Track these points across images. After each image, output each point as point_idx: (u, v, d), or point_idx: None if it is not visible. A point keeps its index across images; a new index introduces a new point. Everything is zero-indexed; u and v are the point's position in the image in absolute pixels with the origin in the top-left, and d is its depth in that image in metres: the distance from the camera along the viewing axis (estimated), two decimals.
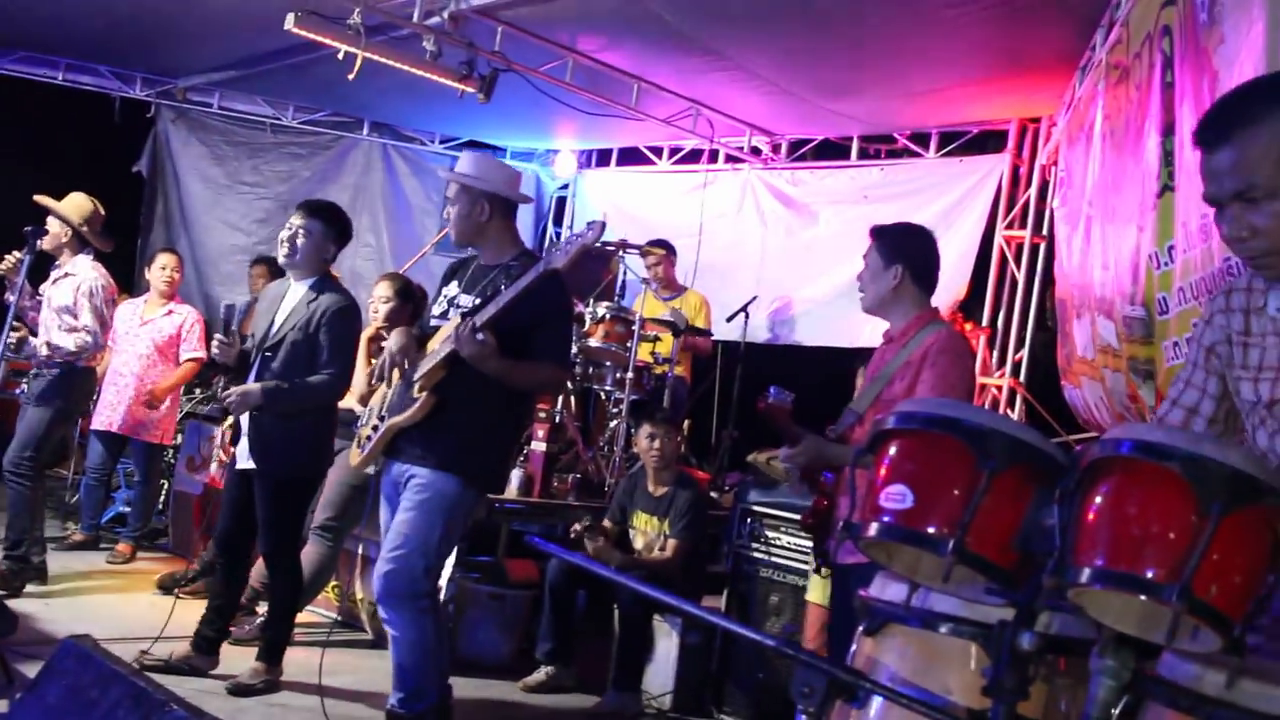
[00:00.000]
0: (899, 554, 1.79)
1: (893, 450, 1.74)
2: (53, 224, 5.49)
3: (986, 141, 7.84)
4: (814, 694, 1.70)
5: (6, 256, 5.35)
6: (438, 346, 3.88)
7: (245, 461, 4.49)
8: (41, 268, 5.36)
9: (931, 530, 1.62)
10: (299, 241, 4.53)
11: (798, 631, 4.64)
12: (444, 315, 4.04)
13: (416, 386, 3.87)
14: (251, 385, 4.43)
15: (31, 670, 4.11)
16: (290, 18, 6.29)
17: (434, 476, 3.79)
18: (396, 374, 3.92)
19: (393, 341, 3.94)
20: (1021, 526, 1.61)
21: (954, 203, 7.70)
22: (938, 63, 6.57)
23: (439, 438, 3.81)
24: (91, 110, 9.23)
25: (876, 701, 1.83)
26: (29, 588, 5.40)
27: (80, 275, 5.56)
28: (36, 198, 5.54)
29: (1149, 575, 1.43)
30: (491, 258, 4.05)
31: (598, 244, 6.74)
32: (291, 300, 4.56)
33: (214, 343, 4.64)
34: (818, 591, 4.73)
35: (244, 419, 4.47)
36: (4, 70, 8.88)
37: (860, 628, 1.98)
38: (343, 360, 4.53)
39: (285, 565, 4.65)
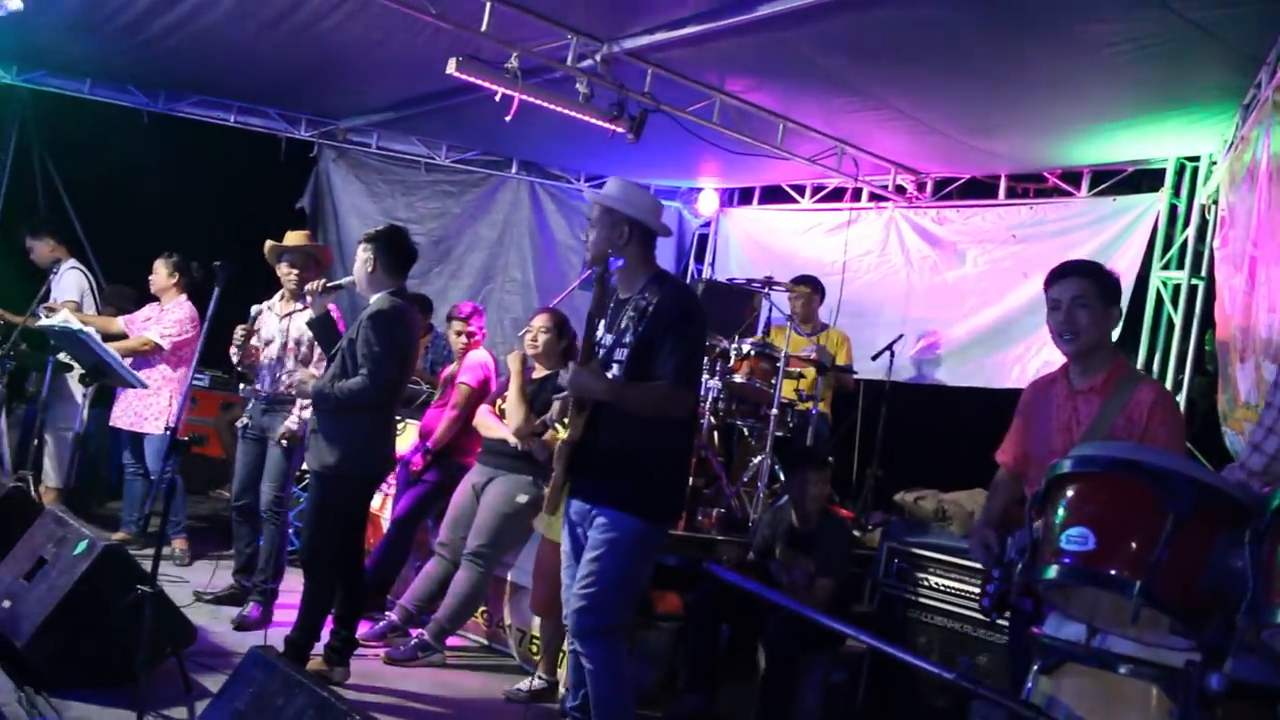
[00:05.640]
0: (1077, 596, 1.80)
1: (1070, 493, 1.76)
2: (293, 262, 5.75)
3: (1141, 180, 7.64)
4: None
5: (240, 329, 5.67)
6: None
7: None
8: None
9: (1115, 572, 1.63)
10: (355, 270, 4.89)
11: (976, 667, 4.59)
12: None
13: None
14: (310, 378, 4.84)
15: (205, 679, 4.38)
16: (452, 62, 6.55)
17: (616, 516, 3.89)
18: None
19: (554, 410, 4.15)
20: (1208, 569, 1.61)
21: (1107, 243, 7.53)
22: (1092, 101, 6.47)
23: (614, 478, 3.91)
24: (260, 150, 9.70)
25: None
26: (197, 604, 5.68)
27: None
28: (273, 243, 5.83)
29: None
30: (625, 288, 4.10)
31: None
32: None
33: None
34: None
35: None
36: (182, 113, 9.41)
37: (1035, 666, 1.99)
38: (375, 362, 4.61)
39: (318, 573, 4.74)
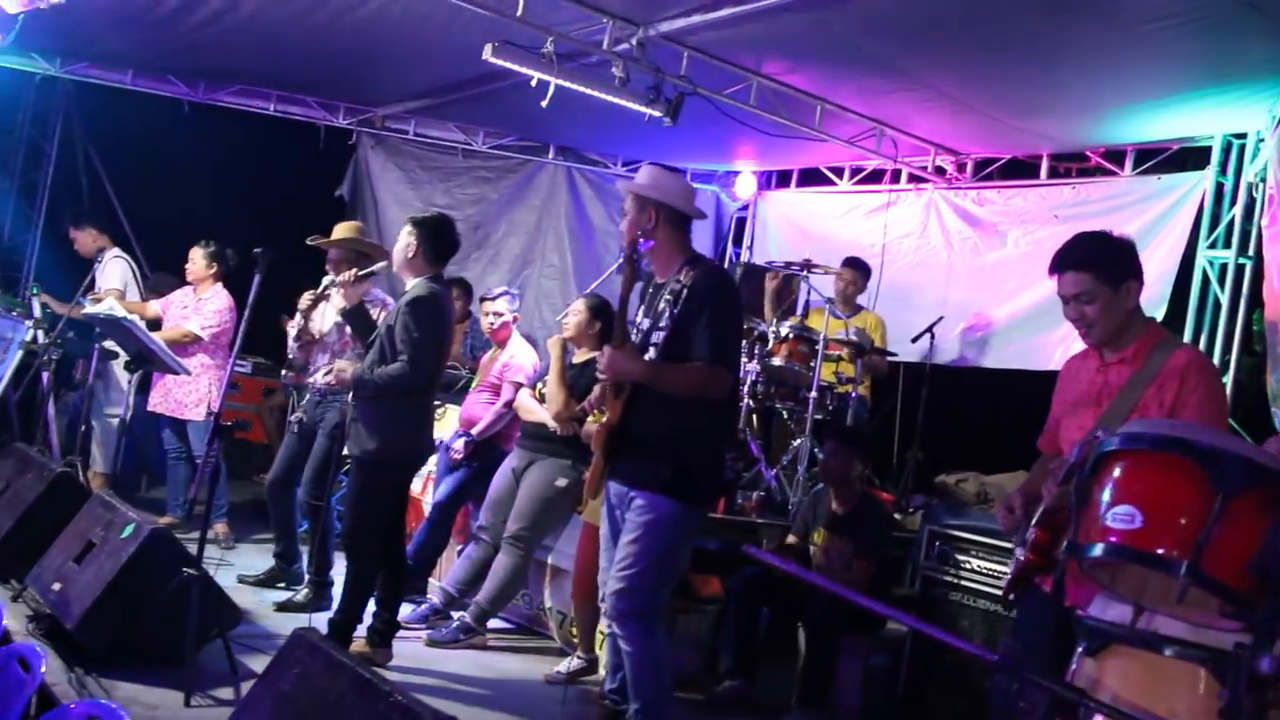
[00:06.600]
0: (1124, 576, 1.78)
1: (1118, 471, 1.74)
2: (340, 257, 5.69)
3: (1187, 158, 7.51)
4: (1036, 710, 1.71)
5: (309, 294, 5.71)
6: None
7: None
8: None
9: (1162, 551, 1.61)
10: (394, 250, 4.93)
11: (1018, 648, 4.55)
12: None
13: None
14: (350, 367, 4.89)
15: (250, 660, 4.44)
16: (488, 48, 6.54)
17: (654, 499, 3.90)
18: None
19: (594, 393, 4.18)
20: (1259, 549, 1.59)
21: (1152, 222, 7.41)
22: (1136, 78, 6.37)
23: (651, 461, 3.92)
24: (299, 138, 9.77)
25: None
26: (240, 587, 5.75)
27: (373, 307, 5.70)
28: (354, 238, 5.84)
29: None
30: (661, 271, 4.12)
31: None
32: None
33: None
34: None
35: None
36: (222, 102, 9.48)
37: (1080, 648, 1.97)
38: (415, 347, 4.65)
39: (359, 556, 4.80)
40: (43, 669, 2.70)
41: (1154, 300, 7.04)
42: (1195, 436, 1.67)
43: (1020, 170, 8.47)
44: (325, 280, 5.64)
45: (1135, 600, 1.77)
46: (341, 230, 5.92)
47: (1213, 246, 7.19)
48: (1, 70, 8.64)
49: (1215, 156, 7.25)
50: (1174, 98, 6.60)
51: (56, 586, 4.49)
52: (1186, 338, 7.07)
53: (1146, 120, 7.13)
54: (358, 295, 5.17)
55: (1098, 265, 3.16)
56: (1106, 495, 1.71)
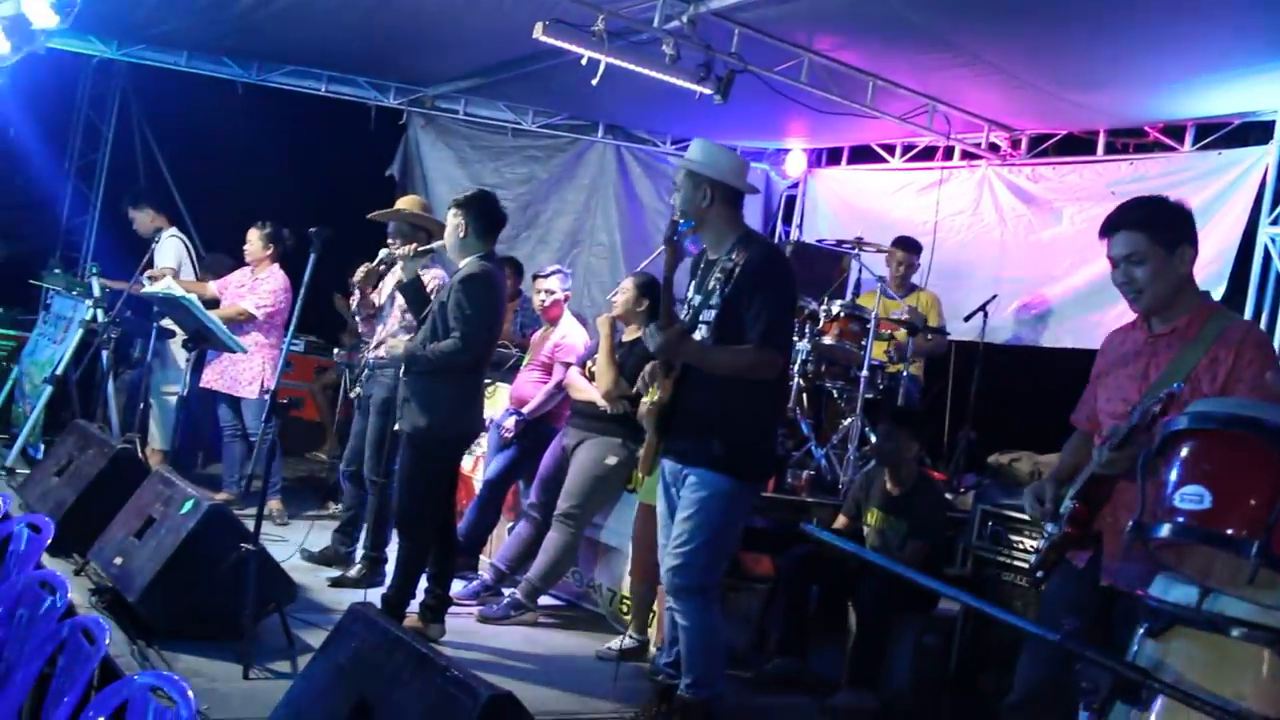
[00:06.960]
0: (1191, 556, 1.75)
1: (1185, 451, 1.71)
2: (397, 231, 5.73)
3: (1248, 133, 7.35)
4: (1098, 691, 1.69)
5: (364, 266, 5.74)
6: None
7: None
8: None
9: (1232, 531, 1.58)
10: (446, 234, 4.96)
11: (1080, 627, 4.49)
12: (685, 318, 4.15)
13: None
14: (402, 342, 4.98)
15: (306, 634, 4.50)
16: (539, 27, 6.55)
17: (706, 476, 3.92)
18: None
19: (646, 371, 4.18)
20: None
21: (1212, 198, 7.26)
22: (1195, 50, 6.24)
23: (704, 438, 3.92)
24: (350, 118, 9.83)
25: (1161, 703, 1.79)
26: (296, 562, 5.80)
27: (430, 276, 5.67)
28: (412, 212, 5.88)
29: None
30: (714, 248, 4.11)
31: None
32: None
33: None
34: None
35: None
36: (274, 83, 9.57)
37: (1142, 629, 1.94)
38: (467, 324, 4.67)
39: (412, 533, 4.84)
40: (107, 641, 2.75)
41: (1214, 278, 6.92)
42: (1265, 415, 1.64)
43: (1076, 146, 8.33)
44: (381, 253, 5.66)
45: (1201, 581, 1.74)
46: (400, 203, 5.97)
47: (1275, 223, 7.05)
48: (60, 53, 8.77)
49: (1278, 131, 7.09)
50: (1235, 70, 6.46)
51: (118, 561, 4.58)
52: (1247, 315, 6.93)
53: (1207, 94, 6.98)
54: (415, 269, 5.21)
55: (1151, 226, 3.04)
56: (1174, 475, 1.68)
